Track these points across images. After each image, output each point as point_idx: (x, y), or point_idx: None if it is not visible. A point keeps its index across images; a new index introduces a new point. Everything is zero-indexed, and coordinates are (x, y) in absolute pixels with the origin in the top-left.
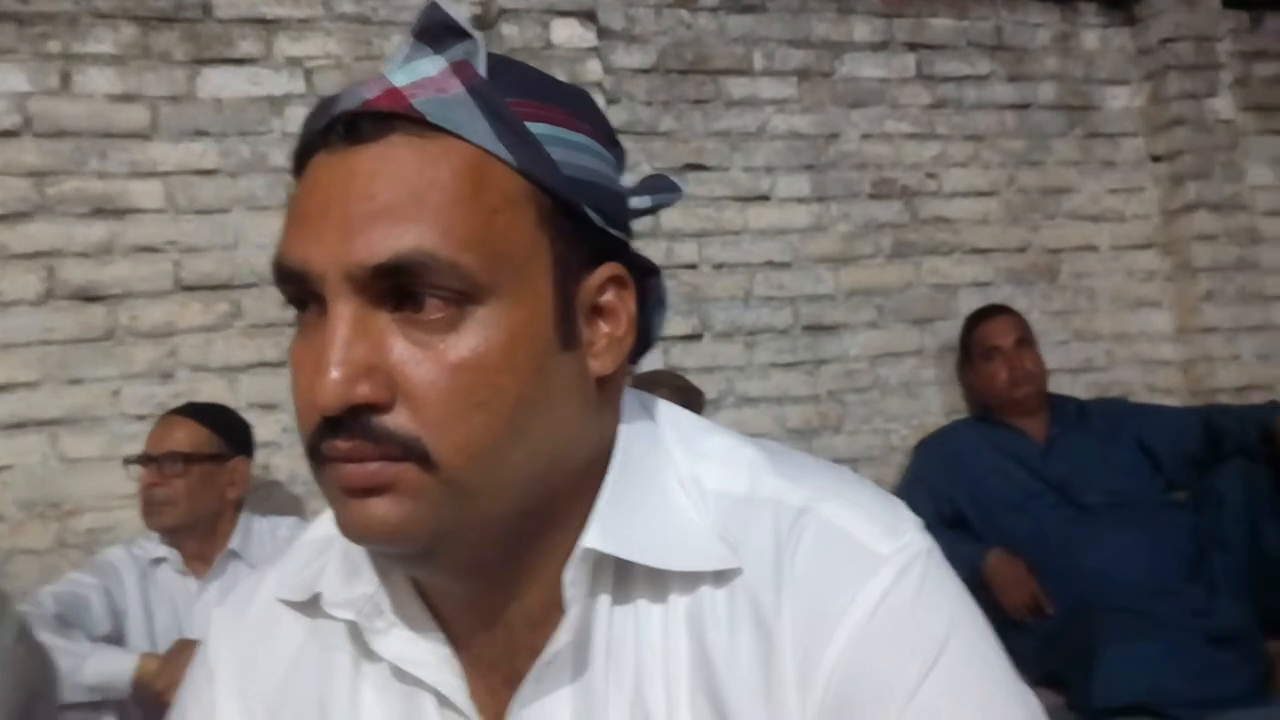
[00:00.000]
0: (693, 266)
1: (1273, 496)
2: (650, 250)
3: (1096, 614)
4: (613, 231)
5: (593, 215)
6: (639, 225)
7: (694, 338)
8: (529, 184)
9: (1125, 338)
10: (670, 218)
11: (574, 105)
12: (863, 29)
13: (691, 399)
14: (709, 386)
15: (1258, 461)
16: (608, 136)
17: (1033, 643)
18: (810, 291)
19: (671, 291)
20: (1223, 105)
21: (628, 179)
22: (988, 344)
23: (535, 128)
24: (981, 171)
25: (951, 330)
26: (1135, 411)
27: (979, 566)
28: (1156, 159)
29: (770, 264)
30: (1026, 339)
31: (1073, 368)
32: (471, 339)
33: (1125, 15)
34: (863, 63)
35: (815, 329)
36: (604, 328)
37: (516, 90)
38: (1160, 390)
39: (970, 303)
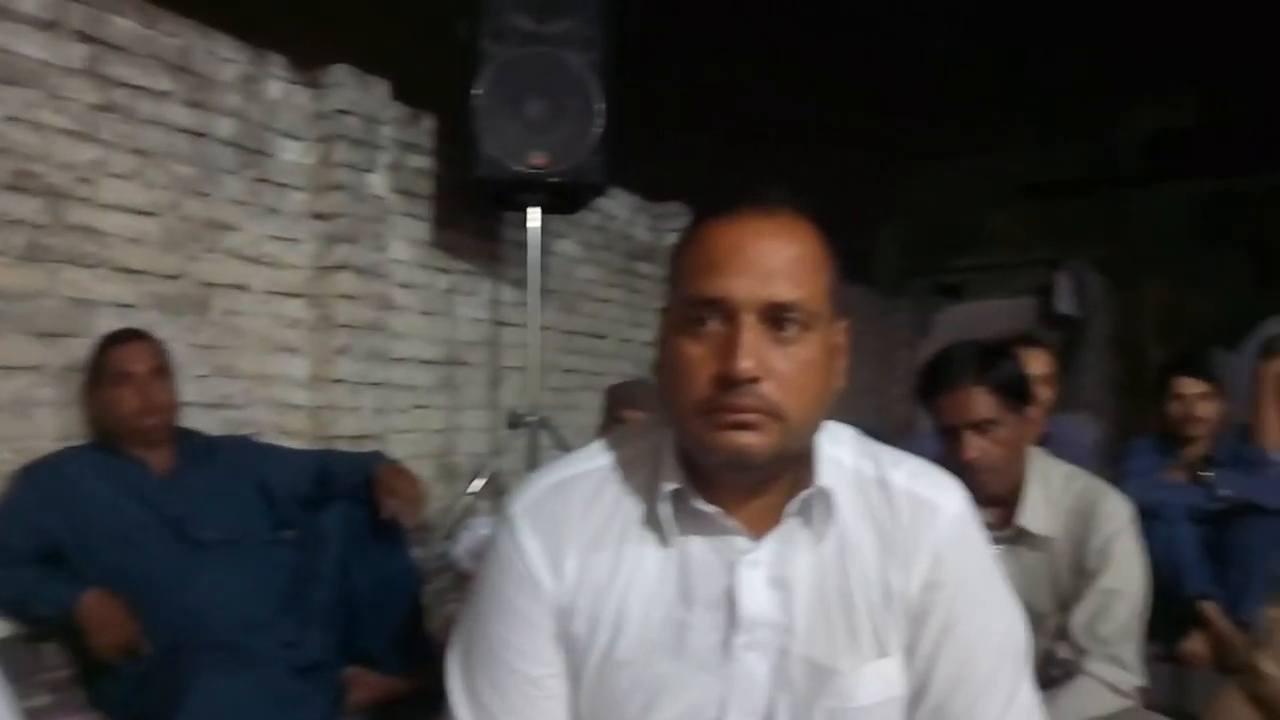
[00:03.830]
0: None
1: (367, 537)
2: None
3: (192, 651)
4: None
5: None
6: None
7: None
8: None
9: (264, 379)
10: None
11: None
12: (30, 0)
13: None
14: None
15: (360, 504)
16: None
17: (125, 685)
18: None
19: None
20: (378, 182)
21: None
22: (120, 369)
23: None
24: (144, 189)
25: (82, 349)
26: (260, 451)
27: (71, 606)
28: (317, 216)
29: None
30: (164, 369)
31: (210, 403)
32: None
33: (310, 77)
34: (24, 38)
35: None
36: None
37: None
38: (289, 432)
39: (109, 323)
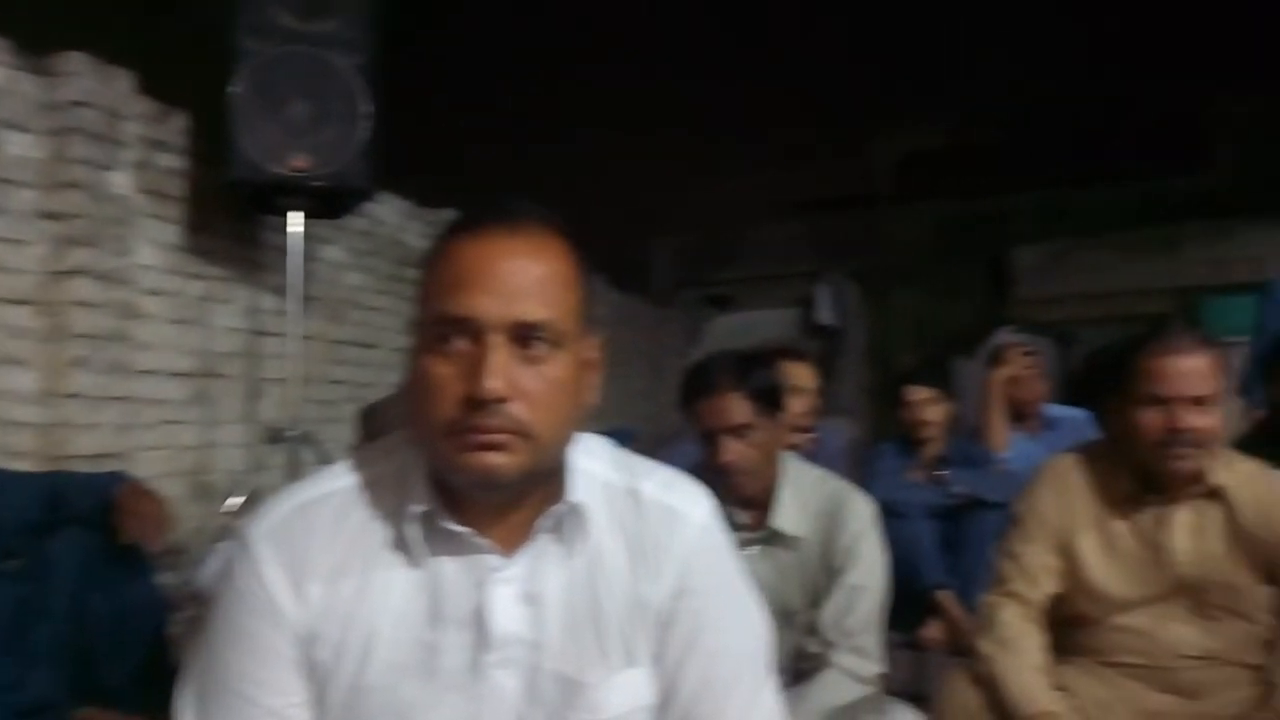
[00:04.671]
0: None
1: (106, 565)
2: None
3: None
4: None
5: None
6: None
7: None
8: None
9: None
10: None
11: None
12: None
13: None
14: None
15: (97, 529)
16: None
17: None
18: None
19: None
20: (121, 181)
21: None
22: None
23: None
24: None
25: None
26: None
27: None
28: (49, 217)
29: None
30: None
31: None
32: None
33: (38, 64)
34: None
35: None
36: None
37: None
38: (15, 453)
39: None
